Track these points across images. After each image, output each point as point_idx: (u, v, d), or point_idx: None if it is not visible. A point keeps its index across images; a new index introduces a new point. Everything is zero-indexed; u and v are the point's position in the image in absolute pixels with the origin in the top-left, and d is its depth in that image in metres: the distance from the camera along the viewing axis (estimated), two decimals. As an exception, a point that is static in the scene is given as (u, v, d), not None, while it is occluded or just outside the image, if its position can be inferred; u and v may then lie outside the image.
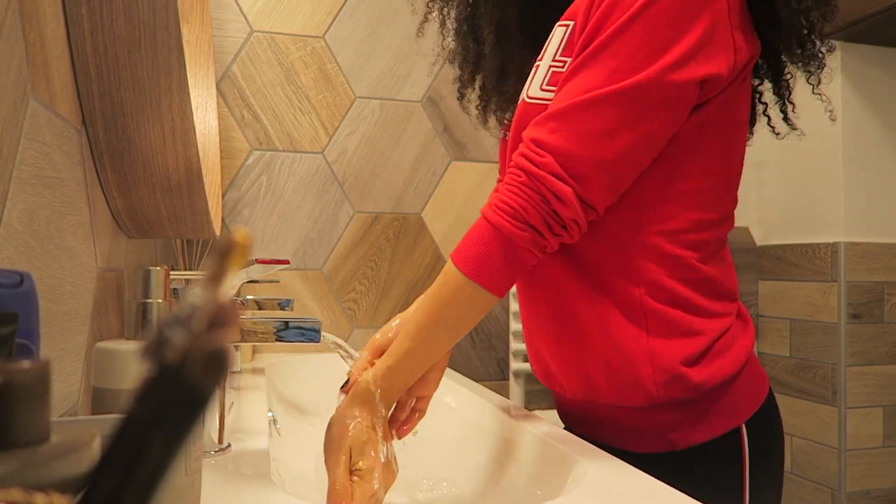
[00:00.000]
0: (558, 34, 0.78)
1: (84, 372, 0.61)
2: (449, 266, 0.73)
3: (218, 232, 1.02)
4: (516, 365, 1.65)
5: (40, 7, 0.52)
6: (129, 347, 0.48)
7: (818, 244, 1.75)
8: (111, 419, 0.27)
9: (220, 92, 1.53)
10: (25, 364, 0.23)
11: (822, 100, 0.90)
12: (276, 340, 0.72)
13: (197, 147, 0.67)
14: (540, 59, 0.80)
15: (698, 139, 0.75)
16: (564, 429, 0.87)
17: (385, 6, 1.64)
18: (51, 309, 0.52)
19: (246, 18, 1.55)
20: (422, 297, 0.77)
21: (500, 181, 0.82)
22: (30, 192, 0.48)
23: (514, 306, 1.65)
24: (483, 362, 1.69)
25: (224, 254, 0.19)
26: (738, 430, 0.77)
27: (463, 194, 1.68)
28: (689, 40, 0.69)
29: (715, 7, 0.70)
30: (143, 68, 0.61)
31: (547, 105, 0.74)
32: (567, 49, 0.76)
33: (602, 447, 0.76)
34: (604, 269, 0.77)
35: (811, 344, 1.77)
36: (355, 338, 1.60)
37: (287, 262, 0.99)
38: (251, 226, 1.55)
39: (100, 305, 0.67)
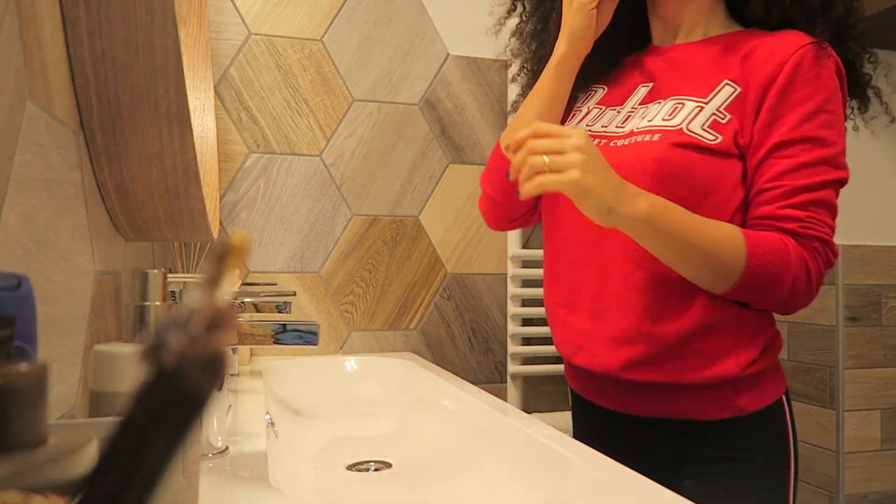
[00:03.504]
0: (725, 91, 0.90)
1: (81, 375, 0.61)
2: (739, 239, 0.82)
3: (215, 235, 1.02)
4: (514, 368, 1.65)
5: (38, 10, 0.52)
6: (126, 350, 0.48)
7: (815, 247, 1.75)
8: (109, 422, 0.26)
9: (217, 94, 1.53)
10: (23, 367, 0.23)
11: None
12: (274, 343, 0.72)
13: (195, 150, 0.67)
14: (697, 98, 0.91)
15: None
16: (581, 410, 1.03)
17: (383, 9, 1.65)
18: (48, 312, 0.52)
19: (244, 21, 1.56)
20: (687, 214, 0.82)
21: None
22: (27, 195, 0.48)
23: (513, 309, 1.65)
24: (481, 365, 1.69)
25: (222, 257, 0.19)
26: (781, 400, 0.93)
27: (461, 197, 1.69)
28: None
29: None
30: (140, 71, 0.61)
31: (701, 142, 0.86)
32: (731, 107, 0.88)
33: (648, 420, 0.92)
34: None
35: (809, 347, 1.77)
36: (353, 340, 1.60)
37: (294, 293, 1.02)
38: (249, 229, 1.55)
39: (97, 308, 0.67)
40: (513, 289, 1.66)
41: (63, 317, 0.56)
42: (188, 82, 0.64)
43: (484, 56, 1.71)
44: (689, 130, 0.87)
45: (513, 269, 1.66)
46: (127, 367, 0.47)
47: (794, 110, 0.85)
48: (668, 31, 1.00)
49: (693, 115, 0.89)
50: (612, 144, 0.94)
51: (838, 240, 1.68)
